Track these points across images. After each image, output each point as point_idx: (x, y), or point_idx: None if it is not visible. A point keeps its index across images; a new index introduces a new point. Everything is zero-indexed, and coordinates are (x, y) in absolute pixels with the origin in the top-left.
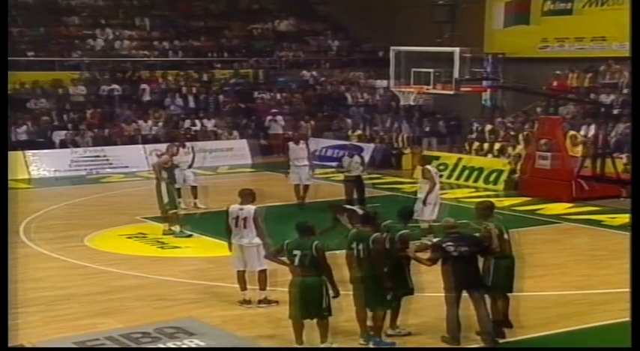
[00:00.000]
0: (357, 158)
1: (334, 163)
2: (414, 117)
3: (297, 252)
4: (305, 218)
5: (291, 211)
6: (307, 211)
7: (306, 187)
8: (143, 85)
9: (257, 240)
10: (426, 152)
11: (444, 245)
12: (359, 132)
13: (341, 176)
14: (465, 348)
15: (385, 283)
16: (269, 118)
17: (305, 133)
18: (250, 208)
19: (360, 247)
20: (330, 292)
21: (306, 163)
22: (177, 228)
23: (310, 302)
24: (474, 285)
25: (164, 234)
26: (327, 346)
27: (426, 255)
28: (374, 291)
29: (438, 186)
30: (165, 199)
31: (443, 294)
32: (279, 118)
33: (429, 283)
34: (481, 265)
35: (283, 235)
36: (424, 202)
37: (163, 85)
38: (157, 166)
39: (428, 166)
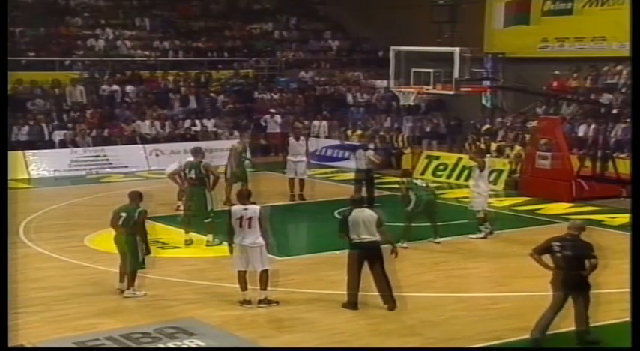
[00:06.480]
0: (370, 152)
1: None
2: (414, 117)
3: (123, 214)
4: (305, 217)
5: (292, 210)
6: (307, 210)
7: (302, 181)
8: (142, 86)
9: (261, 240)
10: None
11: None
12: (359, 132)
13: (341, 176)
14: (465, 348)
15: None
16: (266, 117)
17: (306, 132)
18: (255, 208)
19: None
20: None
21: (304, 158)
22: (210, 236)
23: (129, 255)
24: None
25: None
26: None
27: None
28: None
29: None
30: (210, 207)
31: (442, 294)
32: (276, 117)
33: (429, 283)
34: None
35: (285, 234)
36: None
37: (163, 85)
38: (211, 173)
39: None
